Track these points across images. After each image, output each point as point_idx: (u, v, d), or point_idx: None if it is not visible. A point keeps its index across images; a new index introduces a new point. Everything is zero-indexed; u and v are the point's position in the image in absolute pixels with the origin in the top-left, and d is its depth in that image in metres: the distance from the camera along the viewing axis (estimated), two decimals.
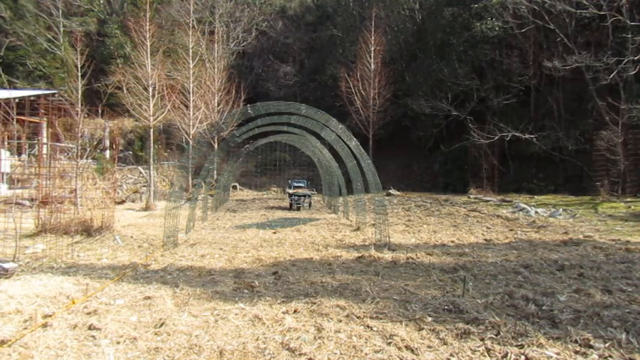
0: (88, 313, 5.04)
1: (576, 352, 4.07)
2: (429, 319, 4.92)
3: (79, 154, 14.84)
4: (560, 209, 16.61)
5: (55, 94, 26.60)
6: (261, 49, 42.08)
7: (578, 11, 21.29)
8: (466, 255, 8.85)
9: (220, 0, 38.16)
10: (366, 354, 4.02)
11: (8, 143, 21.80)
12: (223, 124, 13.55)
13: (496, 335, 4.40)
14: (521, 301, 5.55)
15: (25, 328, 4.54)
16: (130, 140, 34.97)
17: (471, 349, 4.13)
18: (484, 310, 5.17)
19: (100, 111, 29.44)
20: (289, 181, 23.95)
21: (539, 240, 10.74)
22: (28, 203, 14.78)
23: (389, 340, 4.32)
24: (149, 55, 20.49)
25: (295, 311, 5.19)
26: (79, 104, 18.40)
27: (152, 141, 22.18)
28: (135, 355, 4.00)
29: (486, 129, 24.29)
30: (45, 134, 24.39)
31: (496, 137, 23.70)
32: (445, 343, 4.27)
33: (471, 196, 22.97)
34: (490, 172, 25.51)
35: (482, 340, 4.32)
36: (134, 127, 34.68)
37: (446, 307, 5.31)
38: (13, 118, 17.23)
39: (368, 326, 4.70)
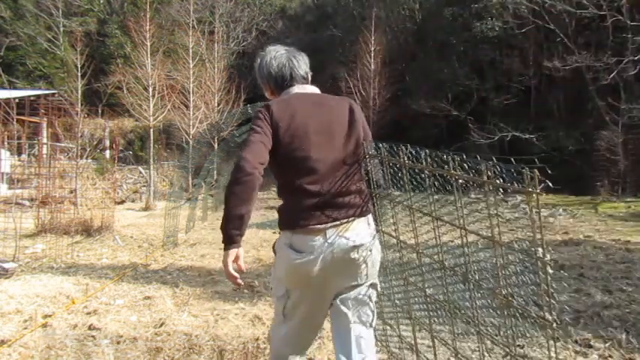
0: (88, 313, 5.03)
1: (576, 352, 4.07)
2: None
3: (79, 154, 14.85)
4: (560, 209, 16.60)
5: (55, 94, 26.61)
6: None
7: (578, 11, 21.28)
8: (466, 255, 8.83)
9: (220, 0, 38.17)
10: None
11: (8, 143, 21.79)
12: (223, 124, 13.56)
13: (496, 335, 4.40)
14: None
15: (25, 328, 4.54)
16: (130, 140, 34.94)
17: (471, 349, 4.13)
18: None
19: (100, 111, 29.45)
20: None
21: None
22: (28, 203, 14.76)
23: None
24: (149, 55, 20.49)
25: None
26: (79, 104, 18.44)
27: (152, 141, 22.19)
28: (135, 355, 4.00)
29: (486, 129, 24.28)
30: (45, 134, 24.37)
31: (496, 137, 23.69)
32: (445, 343, 4.26)
33: (471, 196, 22.95)
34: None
35: (482, 339, 4.32)
36: (134, 127, 34.64)
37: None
38: (13, 118, 17.22)
39: None
